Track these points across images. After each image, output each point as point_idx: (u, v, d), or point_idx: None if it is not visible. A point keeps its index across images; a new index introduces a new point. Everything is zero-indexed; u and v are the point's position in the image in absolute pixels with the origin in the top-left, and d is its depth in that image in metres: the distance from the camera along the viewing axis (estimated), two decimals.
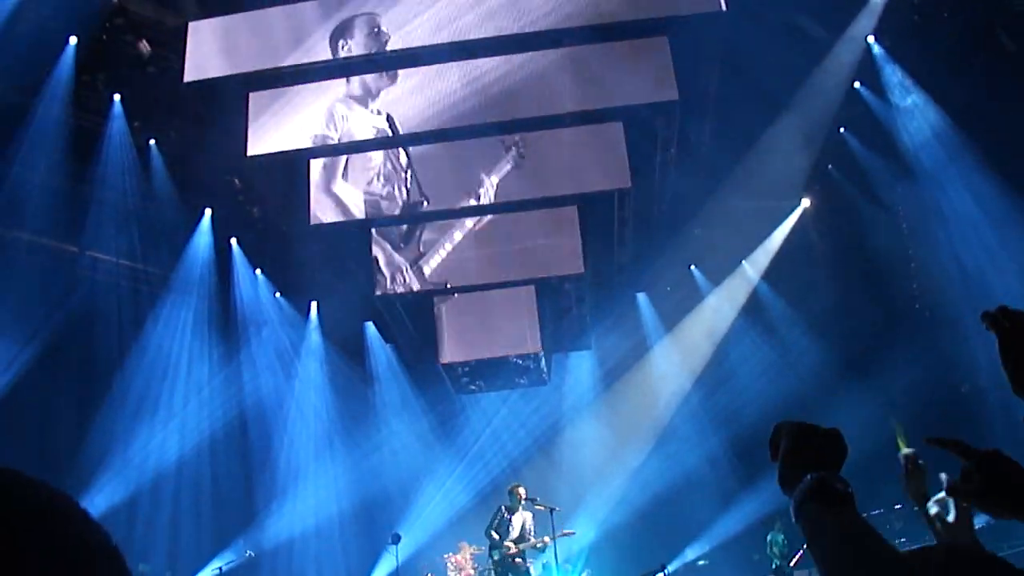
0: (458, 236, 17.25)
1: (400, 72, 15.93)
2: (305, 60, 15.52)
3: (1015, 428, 1.92)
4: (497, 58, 15.65)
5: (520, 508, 14.40)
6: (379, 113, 15.86)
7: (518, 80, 15.59)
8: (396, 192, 16.50)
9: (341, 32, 15.62)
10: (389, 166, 16.59)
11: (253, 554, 17.95)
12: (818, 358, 18.77)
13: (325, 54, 15.50)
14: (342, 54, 15.56)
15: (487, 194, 16.36)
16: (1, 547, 0.84)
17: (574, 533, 15.27)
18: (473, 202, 16.49)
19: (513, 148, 16.33)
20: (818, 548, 1.70)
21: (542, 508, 14.10)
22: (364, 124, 15.88)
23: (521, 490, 14.48)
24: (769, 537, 17.26)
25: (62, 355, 16.32)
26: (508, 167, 16.36)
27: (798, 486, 1.79)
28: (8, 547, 0.84)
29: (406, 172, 16.51)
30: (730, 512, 19.97)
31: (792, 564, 16.96)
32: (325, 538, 20.68)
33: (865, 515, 1.70)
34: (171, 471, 17.86)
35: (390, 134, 15.84)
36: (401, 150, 16.54)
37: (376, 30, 15.56)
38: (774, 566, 17.05)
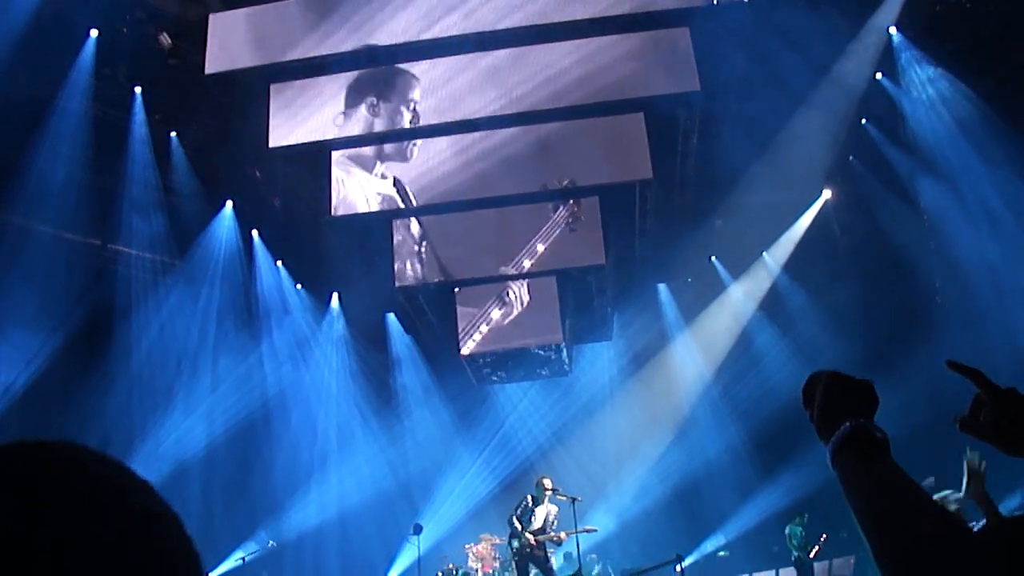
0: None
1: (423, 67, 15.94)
2: (326, 52, 15.53)
3: None
4: (517, 48, 15.65)
5: (546, 500, 14.41)
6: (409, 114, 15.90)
7: (539, 70, 15.59)
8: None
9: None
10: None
11: (275, 544, 18.06)
12: (838, 351, 18.67)
13: (346, 45, 15.51)
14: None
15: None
16: (71, 520, 0.85)
17: (596, 530, 15.29)
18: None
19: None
20: (854, 495, 1.69)
21: (563, 498, 14.12)
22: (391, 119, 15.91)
23: (547, 482, 14.48)
24: (788, 530, 17.28)
25: (86, 346, 16.40)
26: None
27: (834, 433, 1.80)
28: (79, 520, 0.85)
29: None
30: (750, 504, 19.99)
31: (811, 556, 16.98)
32: (347, 528, 20.76)
33: None
34: (194, 461, 17.93)
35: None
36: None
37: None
38: (794, 557, 17.07)
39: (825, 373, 1.92)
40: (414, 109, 15.75)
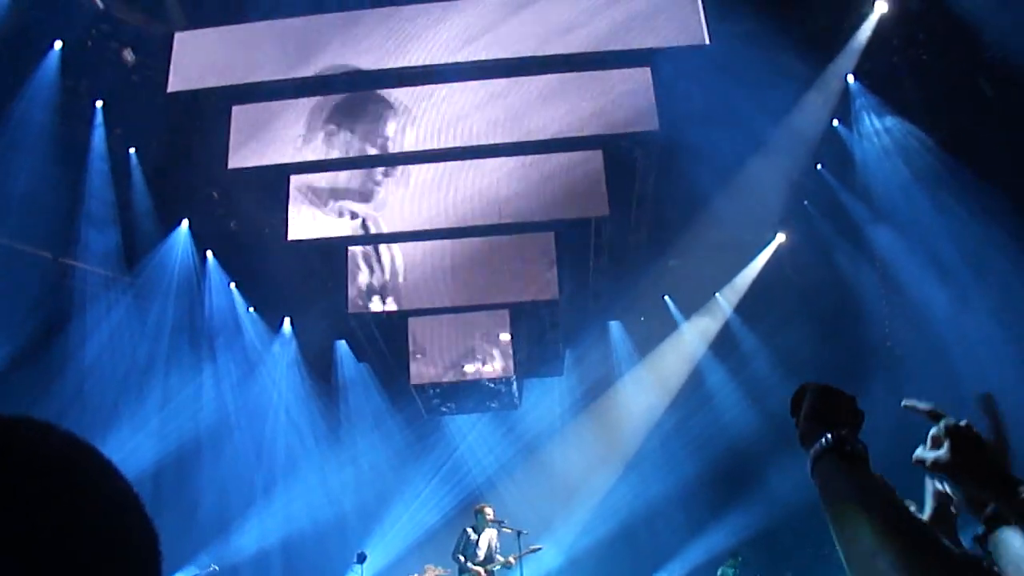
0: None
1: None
2: (290, 76, 15.55)
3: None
4: (480, 81, 15.74)
5: (486, 528, 14.34)
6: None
7: (499, 105, 15.67)
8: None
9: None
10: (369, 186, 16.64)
11: (217, 568, 17.85)
12: (788, 392, 18.75)
13: (310, 71, 15.54)
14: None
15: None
16: (19, 498, 0.85)
17: (541, 548, 15.20)
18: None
19: None
20: (831, 500, 1.74)
21: (509, 531, 14.08)
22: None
23: (489, 510, 14.42)
24: (719, 572, 17.35)
25: (34, 362, 16.22)
26: None
27: (816, 441, 1.83)
28: (28, 497, 0.86)
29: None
30: (698, 541, 20.01)
31: None
32: (291, 554, 20.57)
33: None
34: (138, 480, 17.59)
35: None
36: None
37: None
38: None
39: (813, 384, 1.97)
40: (377, 138, 15.78)
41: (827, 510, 1.75)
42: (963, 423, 2.04)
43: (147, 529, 0.97)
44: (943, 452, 1.99)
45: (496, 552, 14.32)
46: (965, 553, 1.67)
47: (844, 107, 17.60)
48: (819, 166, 18.67)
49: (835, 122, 17.90)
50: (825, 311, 19.57)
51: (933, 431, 2.03)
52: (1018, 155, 15.35)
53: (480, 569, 14.02)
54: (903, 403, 2.14)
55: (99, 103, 16.53)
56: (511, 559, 14.12)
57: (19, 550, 0.82)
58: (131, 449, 17.77)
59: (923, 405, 2.08)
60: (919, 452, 2.06)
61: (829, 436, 1.82)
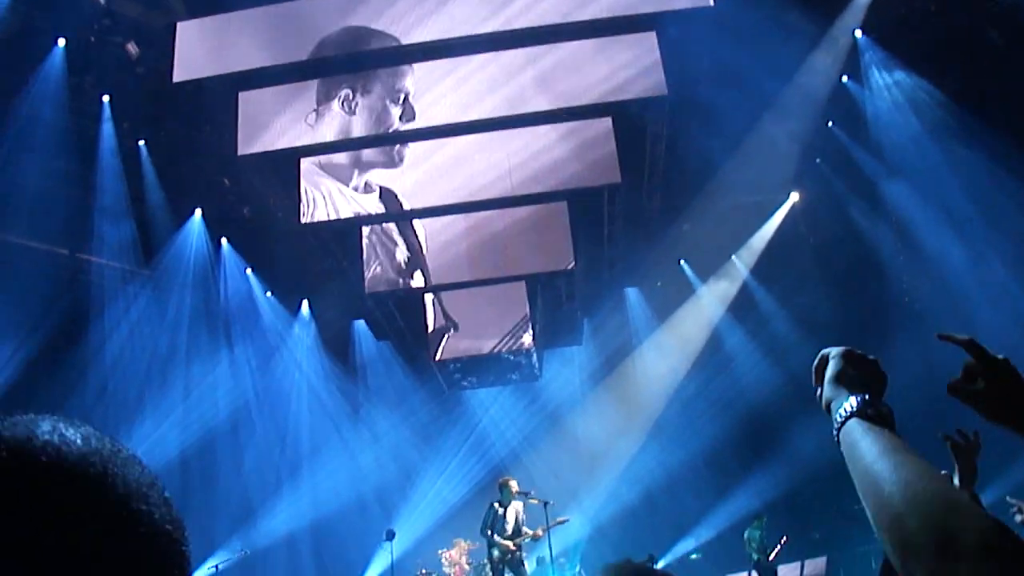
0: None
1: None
2: (296, 59, 15.49)
3: None
4: (486, 54, 15.67)
5: (512, 501, 14.37)
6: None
7: (506, 76, 15.60)
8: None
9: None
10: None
11: (248, 552, 17.98)
12: (808, 352, 18.74)
13: (316, 53, 15.47)
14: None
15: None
16: (37, 503, 0.85)
17: (568, 520, 15.23)
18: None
19: None
20: (858, 464, 1.72)
21: (535, 502, 14.11)
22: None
23: (513, 483, 14.44)
24: (746, 534, 17.35)
25: (55, 357, 16.31)
26: None
27: (840, 405, 1.83)
28: (47, 501, 0.85)
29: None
30: (723, 505, 20.04)
31: (770, 558, 17.04)
32: (320, 535, 20.72)
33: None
34: (165, 470, 17.83)
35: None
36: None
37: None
38: (754, 560, 17.14)
39: (835, 349, 1.96)
40: (386, 116, 15.74)
41: (854, 474, 1.74)
42: (1000, 357, 2.03)
43: (173, 529, 0.96)
44: (979, 383, 1.98)
45: (523, 524, 14.36)
46: (989, 514, 1.66)
47: (853, 63, 17.47)
48: (830, 124, 18.55)
49: (844, 78, 17.78)
50: (842, 269, 19.53)
51: (968, 362, 2.02)
52: None
53: (509, 543, 14.06)
54: (937, 334, 2.13)
55: (105, 98, 16.52)
56: (539, 531, 14.15)
57: (32, 554, 0.82)
58: (157, 440, 17.88)
59: (959, 336, 2.06)
60: (953, 382, 2.05)
61: (854, 400, 1.81)
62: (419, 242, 17.35)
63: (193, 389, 19.30)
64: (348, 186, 16.41)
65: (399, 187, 16.42)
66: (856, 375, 1.90)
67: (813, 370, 2.00)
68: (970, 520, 1.52)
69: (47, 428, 0.92)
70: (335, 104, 15.80)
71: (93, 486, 0.91)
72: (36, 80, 15.23)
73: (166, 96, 16.09)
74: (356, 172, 16.52)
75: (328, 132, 15.75)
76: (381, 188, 16.47)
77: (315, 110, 15.75)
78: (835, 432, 1.83)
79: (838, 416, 1.82)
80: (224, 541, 18.53)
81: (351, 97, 15.84)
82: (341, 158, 16.52)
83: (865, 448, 1.73)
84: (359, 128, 15.78)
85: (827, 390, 1.91)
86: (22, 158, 15.24)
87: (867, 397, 1.80)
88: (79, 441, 0.93)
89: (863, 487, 1.69)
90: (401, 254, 17.33)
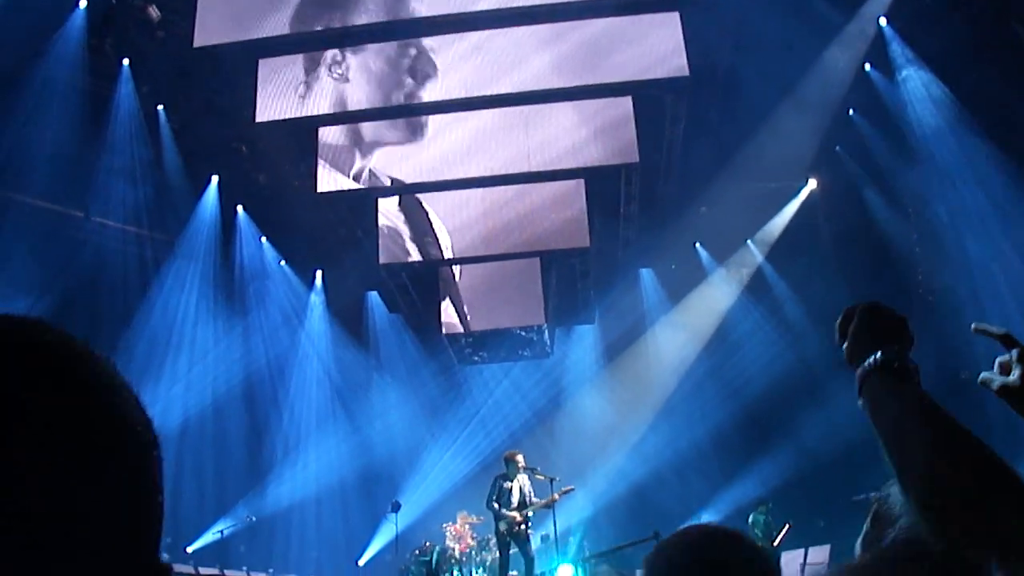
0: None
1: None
2: (317, 27, 15.43)
3: (1011, 415, 1.94)
4: (503, 30, 15.60)
5: (518, 474, 14.39)
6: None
7: (527, 51, 15.55)
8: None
9: None
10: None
11: (254, 519, 18.08)
12: (820, 338, 18.74)
13: (337, 21, 15.41)
14: None
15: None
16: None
17: (573, 488, 15.23)
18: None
19: None
20: (881, 416, 1.73)
21: (542, 478, 14.14)
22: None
23: (519, 457, 14.46)
24: (751, 519, 17.33)
25: (67, 319, 16.32)
26: None
27: (867, 357, 1.82)
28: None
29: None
30: (729, 489, 20.03)
31: (775, 543, 17.03)
32: (326, 505, 20.81)
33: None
34: (175, 435, 17.88)
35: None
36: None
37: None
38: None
39: (860, 305, 1.95)
40: (405, 88, 15.71)
41: (877, 426, 1.73)
42: None
43: (144, 420, 0.97)
44: (1013, 377, 1.96)
45: (530, 498, 14.38)
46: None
47: (876, 51, 17.34)
48: (851, 112, 18.45)
49: (867, 67, 17.66)
50: (857, 258, 19.44)
51: (1002, 357, 1.99)
52: None
53: (516, 514, 14.09)
54: (973, 326, 2.10)
55: (125, 61, 16.48)
56: (546, 501, 14.18)
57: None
58: (167, 404, 17.93)
59: (995, 329, 2.04)
60: (986, 375, 2.03)
61: (879, 353, 1.80)
62: (435, 217, 17.34)
63: (205, 355, 19.36)
64: (366, 158, 16.40)
65: (418, 161, 16.41)
66: (882, 329, 1.88)
67: (837, 326, 1.98)
68: (1009, 475, 1.52)
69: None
70: (352, 73, 15.76)
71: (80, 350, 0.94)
72: (56, 42, 15.22)
73: (186, 62, 16.07)
74: (374, 145, 16.51)
75: (345, 105, 15.72)
76: (399, 162, 16.46)
77: (329, 88, 15.71)
78: (857, 385, 1.82)
79: (865, 367, 1.81)
80: (231, 507, 18.64)
81: (367, 75, 15.81)
82: (360, 129, 16.50)
83: (893, 400, 1.72)
84: (376, 99, 15.76)
85: (851, 343, 1.90)
86: (40, 120, 15.24)
87: (893, 351, 1.79)
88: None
89: (889, 438, 1.68)
90: (417, 227, 17.33)
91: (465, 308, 18.59)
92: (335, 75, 15.80)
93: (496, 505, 14.21)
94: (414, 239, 17.33)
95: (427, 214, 17.36)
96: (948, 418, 1.64)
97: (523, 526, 14.04)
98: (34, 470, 0.82)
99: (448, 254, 17.44)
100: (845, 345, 1.93)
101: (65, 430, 0.86)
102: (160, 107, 17.36)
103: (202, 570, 14.93)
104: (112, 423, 0.92)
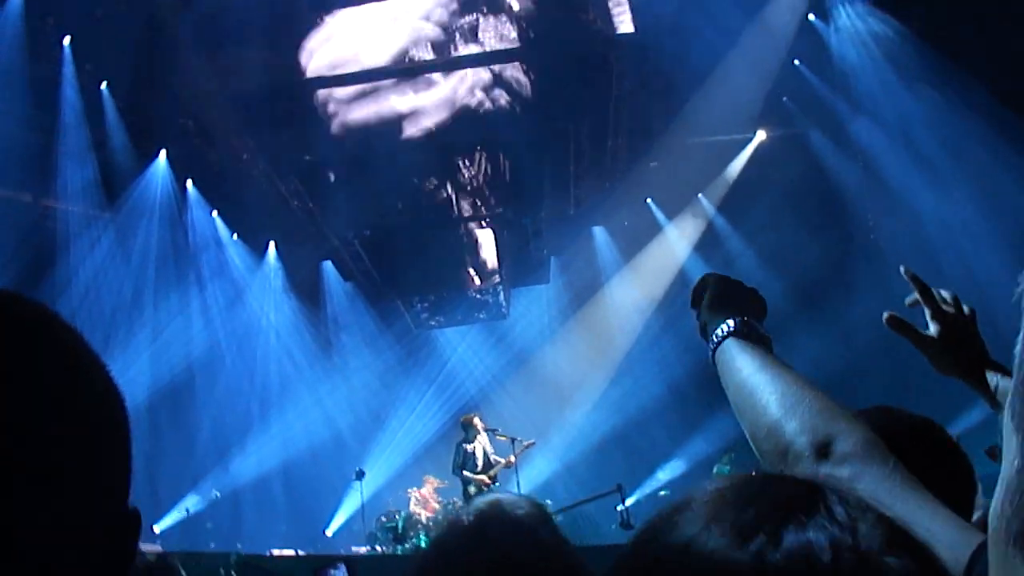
0: None
1: None
2: None
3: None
4: None
5: (477, 436, 14.48)
6: None
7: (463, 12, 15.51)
8: None
9: None
10: None
11: (219, 494, 18.07)
12: (775, 290, 18.88)
13: None
14: None
15: None
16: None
17: (534, 443, 15.36)
18: None
19: None
20: (733, 378, 1.78)
21: (504, 439, 14.26)
22: None
23: (476, 419, 14.57)
24: (715, 469, 17.52)
25: None
26: None
27: (717, 326, 1.87)
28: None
29: None
30: (692, 441, 20.19)
31: None
32: (291, 476, 20.78)
33: None
34: (134, 413, 17.72)
35: None
36: None
37: None
38: None
39: (713, 275, 2.00)
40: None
41: (729, 389, 1.79)
42: (967, 309, 2.22)
43: (114, 390, 1.02)
44: (931, 330, 2.06)
45: (492, 456, 14.49)
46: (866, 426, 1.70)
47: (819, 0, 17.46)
48: (796, 62, 18.51)
49: (810, 16, 17.74)
50: (808, 207, 19.54)
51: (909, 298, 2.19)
52: (995, 43, 15.23)
53: (484, 477, 14.21)
54: (904, 269, 2.21)
55: (67, 39, 16.24)
56: (510, 459, 14.30)
57: None
58: (124, 383, 17.69)
59: (920, 280, 2.16)
60: (900, 319, 2.15)
61: (731, 322, 1.85)
62: (382, 181, 17.24)
63: (160, 332, 19.21)
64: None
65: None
66: (735, 299, 1.94)
67: (692, 294, 2.03)
68: (850, 426, 1.57)
69: None
70: None
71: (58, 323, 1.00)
72: None
73: (128, 37, 15.88)
74: None
75: None
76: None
77: None
78: (711, 352, 1.87)
79: (715, 336, 1.86)
80: (196, 484, 18.60)
81: None
82: None
83: (742, 363, 1.78)
84: None
85: (705, 314, 1.95)
86: None
87: (746, 319, 1.85)
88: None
89: (739, 399, 1.74)
90: (364, 191, 17.26)
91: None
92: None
93: (462, 471, 14.33)
94: (360, 205, 17.28)
95: (372, 179, 17.19)
96: (799, 377, 1.70)
97: (492, 487, 14.17)
98: (22, 426, 0.87)
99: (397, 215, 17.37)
100: (700, 314, 1.99)
101: (48, 387, 0.91)
102: (104, 85, 17.14)
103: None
104: (88, 378, 0.99)
